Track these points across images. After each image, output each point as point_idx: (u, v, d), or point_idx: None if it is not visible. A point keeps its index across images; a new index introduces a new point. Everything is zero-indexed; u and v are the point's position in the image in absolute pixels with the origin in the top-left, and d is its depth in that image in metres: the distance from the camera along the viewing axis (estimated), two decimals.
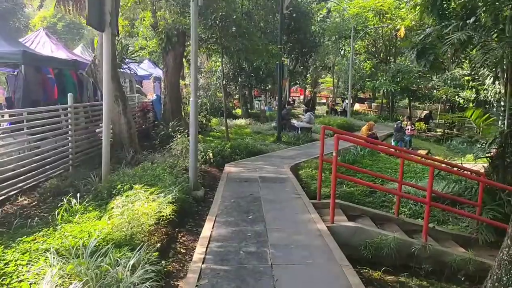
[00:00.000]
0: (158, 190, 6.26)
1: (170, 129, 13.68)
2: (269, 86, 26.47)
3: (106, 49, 7.13)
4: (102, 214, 5.69)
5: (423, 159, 8.79)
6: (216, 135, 16.28)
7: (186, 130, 15.14)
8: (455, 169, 8.25)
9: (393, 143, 16.10)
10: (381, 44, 29.02)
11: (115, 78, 9.63)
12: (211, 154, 10.29)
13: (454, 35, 7.63)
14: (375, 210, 7.20)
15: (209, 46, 15.75)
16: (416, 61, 9.15)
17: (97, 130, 10.05)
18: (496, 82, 22.55)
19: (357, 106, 40.03)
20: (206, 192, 8.23)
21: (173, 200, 5.91)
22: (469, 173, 7.94)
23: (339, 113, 31.83)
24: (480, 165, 15.16)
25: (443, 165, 8.33)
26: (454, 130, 29.33)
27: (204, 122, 16.90)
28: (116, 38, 11.82)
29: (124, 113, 9.72)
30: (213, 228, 5.40)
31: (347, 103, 34.68)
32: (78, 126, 9.09)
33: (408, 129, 17.12)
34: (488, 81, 22.51)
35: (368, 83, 27.46)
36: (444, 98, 23.62)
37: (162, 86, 15.54)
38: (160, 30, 14.63)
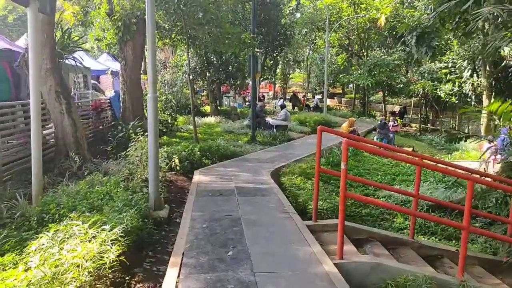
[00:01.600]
0: (105, 217, 4.65)
1: (130, 131, 11.99)
2: (239, 82, 24.88)
3: (32, 32, 5.41)
4: (24, 256, 4.03)
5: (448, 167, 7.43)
6: (183, 135, 14.61)
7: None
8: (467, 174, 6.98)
9: (376, 141, 14.89)
10: (355, 36, 27.93)
11: (55, 70, 7.86)
12: (177, 160, 8.66)
13: (482, 9, 6.31)
14: (385, 232, 5.81)
15: (173, 36, 14.01)
16: (415, 47, 7.82)
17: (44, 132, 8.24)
18: (474, 75, 21.94)
19: (328, 102, 39.02)
20: (171, 209, 6.63)
21: (124, 233, 4.30)
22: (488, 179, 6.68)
23: (311, 108, 30.67)
24: (468, 163, 14.24)
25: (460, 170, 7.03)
26: (429, 125, 28.77)
27: (169, 121, 15.18)
28: (60, 25, 10.00)
29: (68, 113, 7.96)
30: (178, 277, 3.81)
31: (318, 99, 33.64)
32: (6, 131, 7.27)
33: (391, 125, 15.98)
34: (466, 73, 21.84)
35: (342, 77, 26.33)
36: (421, 92, 22.76)
37: (120, 82, 13.73)
38: (116, 17, 12.83)
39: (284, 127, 15.74)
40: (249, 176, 8.61)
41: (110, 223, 4.46)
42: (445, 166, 6.16)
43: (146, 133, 11.43)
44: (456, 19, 7.40)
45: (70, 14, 15.41)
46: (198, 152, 10.20)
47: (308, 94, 38.90)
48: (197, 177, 8.51)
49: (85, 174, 7.57)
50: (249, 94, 38.92)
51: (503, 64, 18.57)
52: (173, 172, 8.92)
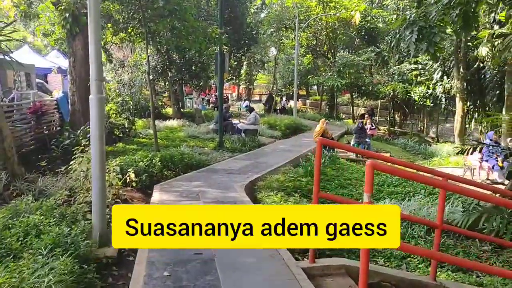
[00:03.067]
0: (18, 273, 3.22)
1: (79, 137, 10.43)
2: (202, 82, 23.40)
3: None
4: None
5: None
6: (142, 141, 13.07)
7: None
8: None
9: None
10: (323, 36, 27.08)
11: None
12: (132, 175, 7.21)
13: None
14: (401, 273, 4.62)
15: (130, 30, 12.44)
16: (413, 44, 6.77)
17: None
18: (445, 77, 21.54)
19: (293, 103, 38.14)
20: None
21: None
22: None
23: (278, 111, 29.60)
24: (450, 170, 13.51)
25: None
26: (396, 127, 28.34)
27: (126, 125, 13.59)
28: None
29: None
30: None
31: (285, 101, 32.66)
32: None
33: (368, 128, 15.05)
34: (436, 75, 21.41)
35: (310, 78, 25.41)
36: (391, 94, 22.15)
37: (69, 81, 12.08)
38: (63, 7, 11.20)
39: (253, 131, 14.50)
40: (219, 193, 7.28)
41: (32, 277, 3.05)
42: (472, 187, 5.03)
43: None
44: (457, 11, 6.37)
45: (10, 4, 13.59)
46: (159, 163, 8.77)
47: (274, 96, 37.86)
48: (157, 195, 7.09)
49: (14, 195, 6.02)
50: (213, 95, 37.57)
51: (475, 65, 18.17)
52: (128, 188, 7.45)
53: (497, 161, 11.00)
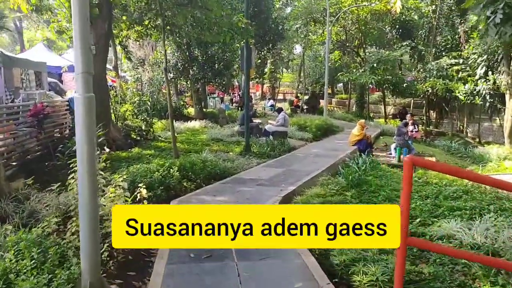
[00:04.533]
0: None
1: None
2: (225, 81, 22.14)
3: None
4: None
5: None
6: (161, 145, 11.91)
7: (115, 143, 10.74)
8: None
9: (394, 152, 12.37)
10: (355, 29, 25.43)
11: None
12: (144, 191, 5.97)
13: None
14: None
15: (147, 23, 11.27)
16: (494, 27, 5.30)
17: None
18: (489, 73, 19.66)
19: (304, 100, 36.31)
20: (128, 286, 3.98)
21: None
22: None
23: (304, 110, 28.13)
24: (510, 177, 11.83)
25: None
26: (431, 127, 26.43)
27: (144, 127, 12.47)
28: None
29: None
30: None
31: (305, 99, 31.13)
32: None
33: (410, 130, 13.47)
34: (480, 71, 19.56)
35: (341, 75, 23.87)
36: (429, 91, 20.40)
37: None
38: None
39: (283, 133, 13.15)
40: None
41: None
42: None
43: (113, 145, 8.66)
44: None
45: None
46: (177, 173, 7.53)
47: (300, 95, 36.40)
48: None
49: None
50: (236, 94, 36.36)
51: None
52: (140, 205, 6.22)
53: None
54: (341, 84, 39.73)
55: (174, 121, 15.93)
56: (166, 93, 18.48)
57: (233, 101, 33.48)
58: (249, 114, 12.41)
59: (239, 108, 25.52)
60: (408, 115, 16.21)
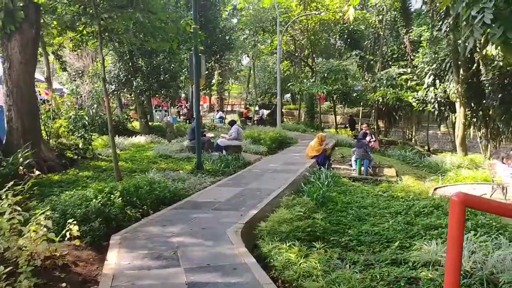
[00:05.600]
0: None
1: (18, 165, 8.14)
2: (172, 92, 20.94)
3: None
4: None
5: None
6: (101, 165, 10.62)
7: (47, 164, 9.37)
8: None
9: (355, 165, 11.84)
10: (304, 38, 25.15)
11: None
12: (74, 228, 4.83)
13: None
14: None
15: (81, 29, 9.99)
16: (480, 29, 4.76)
17: None
18: (437, 81, 19.96)
19: (265, 113, 35.89)
20: None
21: None
22: None
23: (255, 122, 27.48)
24: (471, 187, 11.65)
25: None
26: (380, 136, 26.65)
27: (81, 145, 11.11)
28: None
29: None
30: None
31: (263, 111, 30.62)
32: None
33: (369, 140, 13.03)
34: (428, 79, 19.81)
35: (291, 86, 23.44)
36: (380, 100, 20.39)
37: (4, 92, 9.58)
38: None
39: (237, 148, 12.28)
40: (206, 249, 4.98)
41: None
42: None
43: (34, 171, 7.48)
44: None
45: None
46: (119, 199, 6.39)
47: (250, 106, 35.80)
48: (114, 256, 4.73)
49: None
50: (183, 106, 35.06)
51: (473, 67, 16.60)
52: (71, 246, 5.06)
53: None
54: (289, 94, 39.63)
55: (117, 136, 14.67)
56: (112, 107, 17.09)
57: (181, 113, 32.25)
58: (200, 127, 11.41)
59: (188, 121, 24.37)
60: (365, 125, 15.93)
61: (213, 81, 34.13)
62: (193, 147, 11.82)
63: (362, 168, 11.45)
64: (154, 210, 6.84)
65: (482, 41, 15.45)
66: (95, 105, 14.20)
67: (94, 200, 6.11)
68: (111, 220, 6.00)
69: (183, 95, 35.68)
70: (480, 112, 17.98)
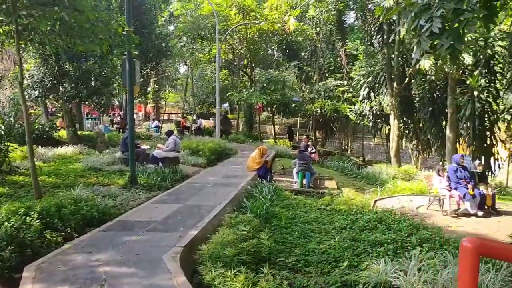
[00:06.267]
0: None
1: None
2: (104, 100, 19.67)
3: None
4: None
5: None
6: (19, 180, 9.48)
7: None
8: None
9: (296, 177, 11.58)
10: (243, 48, 24.92)
11: None
12: None
13: None
14: None
15: None
16: (427, 40, 4.65)
17: None
18: (372, 94, 20.55)
19: (203, 123, 35.13)
20: None
21: None
22: None
23: (193, 132, 26.69)
24: (409, 198, 11.80)
25: None
26: (317, 147, 26.99)
27: None
28: None
29: None
30: None
31: (201, 121, 29.94)
32: None
33: (310, 152, 12.84)
34: (363, 92, 20.32)
35: (230, 95, 23.05)
36: (318, 111, 20.56)
37: None
38: None
39: (174, 160, 11.57)
40: (139, 280, 4.33)
41: None
42: None
43: None
44: None
45: None
46: (37, 221, 5.55)
47: (187, 116, 34.93)
48: None
49: None
50: (117, 115, 33.40)
51: (405, 81, 17.21)
52: None
53: (467, 188, 9.40)
54: (227, 104, 39.29)
55: (39, 147, 13.35)
56: (38, 113, 15.61)
57: (114, 122, 30.66)
58: (134, 137, 10.57)
59: (121, 130, 23.08)
60: (305, 137, 15.87)
61: (149, 89, 32.87)
62: (126, 159, 10.97)
63: (304, 181, 11.23)
64: (79, 233, 6.04)
65: (415, 56, 16.13)
66: (13, 113, 12.79)
67: (5, 223, 5.24)
68: (26, 246, 5.17)
69: (117, 102, 34.07)
70: (412, 125, 18.68)
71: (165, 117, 44.05)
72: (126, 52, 9.58)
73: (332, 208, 9.07)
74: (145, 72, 25.06)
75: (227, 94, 24.29)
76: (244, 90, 22.49)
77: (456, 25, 4.50)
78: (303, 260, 5.81)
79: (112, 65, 16.88)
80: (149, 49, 22.49)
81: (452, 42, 4.55)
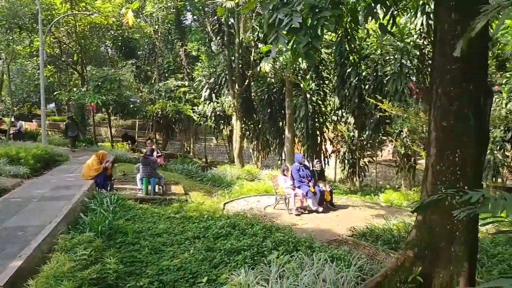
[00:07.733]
0: None
1: None
2: None
3: None
4: None
5: None
6: None
7: None
8: None
9: (141, 184, 10.65)
10: (72, 42, 22.27)
11: None
12: None
13: None
14: None
15: None
16: (284, 37, 4.47)
17: None
18: (213, 95, 20.60)
19: (24, 125, 30.61)
20: None
21: None
22: None
23: (11, 136, 22.90)
24: (256, 199, 11.90)
25: None
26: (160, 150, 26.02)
27: None
28: None
29: None
30: None
31: (22, 123, 25.98)
32: None
33: (154, 156, 11.89)
34: (205, 93, 20.25)
35: (59, 94, 20.35)
36: (159, 112, 19.66)
37: None
38: None
39: None
40: None
41: None
42: None
43: None
44: None
45: None
46: None
47: (4, 118, 29.94)
48: None
49: None
50: None
51: (245, 83, 17.70)
52: None
53: (309, 186, 9.92)
54: (53, 104, 35.12)
55: None
56: None
57: None
58: None
59: None
60: (149, 141, 14.88)
61: None
62: None
63: (150, 187, 10.40)
64: None
65: (254, 58, 16.65)
66: None
67: None
68: None
69: None
70: (252, 126, 19.33)
71: None
72: None
73: (183, 215, 8.53)
74: None
75: (55, 93, 21.49)
76: (75, 89, 20.15)
77: (315, 22, 4.41)
78: (157, 281, 5.14)
79: None
80: None
81: (310, 40, 4.46)
